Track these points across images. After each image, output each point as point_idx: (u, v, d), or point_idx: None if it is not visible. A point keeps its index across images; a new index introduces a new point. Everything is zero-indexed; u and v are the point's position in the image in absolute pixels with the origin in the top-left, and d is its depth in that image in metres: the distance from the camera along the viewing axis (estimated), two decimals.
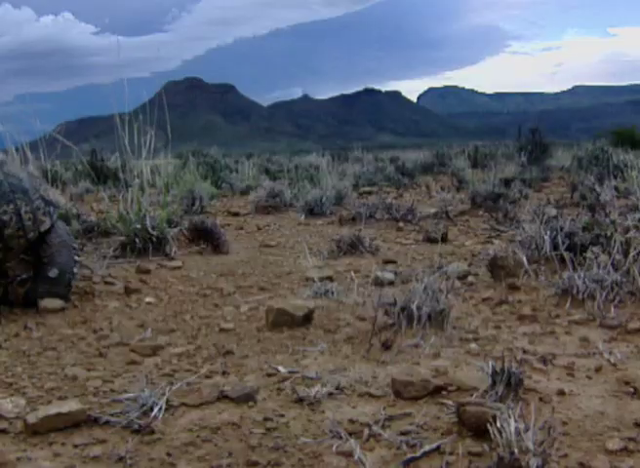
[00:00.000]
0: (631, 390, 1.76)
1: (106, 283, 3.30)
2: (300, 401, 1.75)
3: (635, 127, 15.00)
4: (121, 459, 1.45)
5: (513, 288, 2.87)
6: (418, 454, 1.43)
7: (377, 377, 1.91)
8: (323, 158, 11.30)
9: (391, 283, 3.05)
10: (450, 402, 1.68)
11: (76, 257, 3.04)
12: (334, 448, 1.48)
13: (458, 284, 2.93)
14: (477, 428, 1.47)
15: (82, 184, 8.68)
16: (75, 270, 2.99)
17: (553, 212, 4.44)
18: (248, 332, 2.43)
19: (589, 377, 1.88)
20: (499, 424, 1.33)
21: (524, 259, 2.98)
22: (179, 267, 3.68)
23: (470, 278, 3.16)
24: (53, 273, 2.81)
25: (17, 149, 4.64)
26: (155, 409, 1.66)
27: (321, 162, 10.33)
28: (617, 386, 1.80)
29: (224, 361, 2.11)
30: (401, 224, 5.13)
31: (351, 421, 1.61)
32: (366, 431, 1.55)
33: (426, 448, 1.45)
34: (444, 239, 4.28)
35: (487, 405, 1.52)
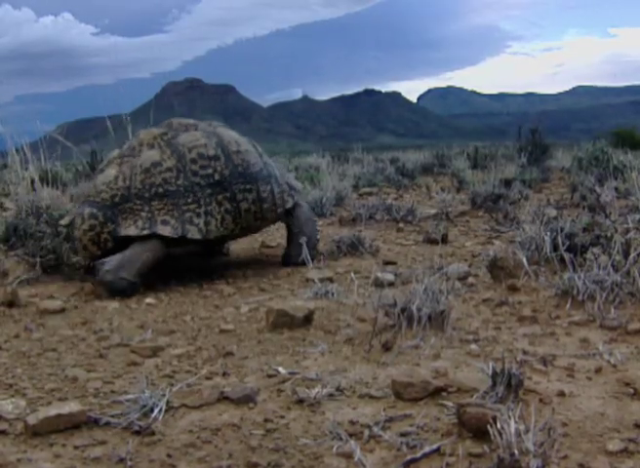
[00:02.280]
0: (631, 391, 1.76)
1: None
2: (300, 402, 1.75)
3: (635, 128, 15.00)
4: (121, 460, 1.45)
5: (513, 289, 2.87)
6: (418, 456, 1.43)
7: (377, 378, 1.91)
8: (323, 159, 11.30)
9: (391, 284, 3.05)
10: (450, 403, 1.68)
11: (318, 228, 3.96)
12: (334, 449, 1.48)
13: (458, 285, 2.93)
14: (477, 429, 1.48)
15: (82, 185, 8.68)
16: (318, 237, 3.93)
17: (553, 212, 4.45)
18: (248, 334, 2.43)
19: (589, 378, 1.88)
20: (499, 425, 1.33)
21: (524, 260, 2.98)
22: (179, 268, 3.68)
23: (470, 279, 3.16)
24: (302, 240, 3.43)
25: (17, 150, 4.64)
26: (155, 411, 1.66)
27: (321, 163, 10.33)
28: (617, 387, 1.80)
29: (225, 362, 2.11)
30: (401, 225, 5.13)
31: (351, 422, 1.62)
32: (366, 432, 1.55)
33: (426, 449, 1.45)
34: (444, 240, 4.28)
35: (487, 406, 1.52)
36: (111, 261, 3.06)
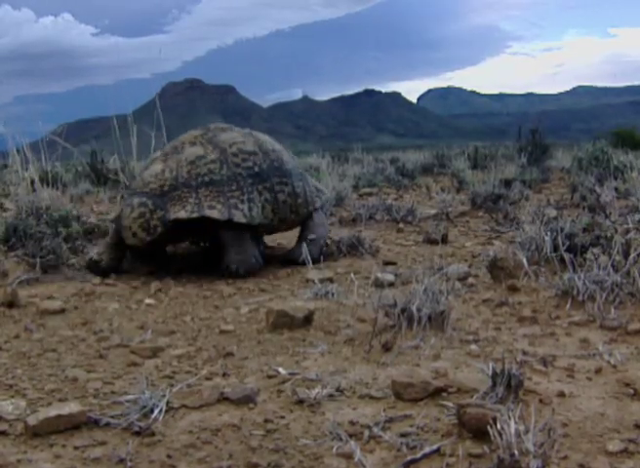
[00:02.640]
0: (631, 391, 1.77)
1: (107, 284, 3.31)
2: (300, 402, 1.75)
3: (635, 128, 14.99)
4: (121, 461, 1.45)
5: (513, 289, 2.87)
6: (418, 456, 1.43)
7: (377, 379, 1.91)
8: (323, 159, 11.30)
9: (391, 284, 3.05)
10: (450, 403, 1.68)
11: (327, 233, 4.12)
12: (334, 449, 1.48)
13: (458, 285, 2.92)
14: (477, 430, 1.48)
15: (82, 186, 8.67)
16: (327, 242, 4.06)
17: (553, 213, 4.45)
18: (248, 334, 2.43)
19: (589, 379, 1.88)
20: (499, 426, 1.33)
21: (524, 261, 2.98)
22: (179, 268, 3.68)
23: (470, 279, 3.16)
24: (311, 236, 3.77)
25: (17, 150, 4.64)
26: (155, 411, 1.66)
27: (321, 163, 10.33)
28: (617, 387, 1.80)
29: (225, 362, 2.11)
30: (401, 225, 5.13)
31: (351, 423, 1.62)
32: (366, 433, 1.55)
33: (426, 449, 1.45)
34: (444, 240, 4.28)
35: (487, 406, 1.52)
36: (231, 260, 3.42)
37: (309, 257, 3.17)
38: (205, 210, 3.35)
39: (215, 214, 3.35)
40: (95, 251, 3.63)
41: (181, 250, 4.19)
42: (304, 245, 3.46)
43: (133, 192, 3.53)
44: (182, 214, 3.34)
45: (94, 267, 3.51)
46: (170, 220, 3.36)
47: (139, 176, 3.63)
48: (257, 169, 3.59)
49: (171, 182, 3.42)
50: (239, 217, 3.41)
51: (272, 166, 3.68)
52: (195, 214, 3.34)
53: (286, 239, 4.78)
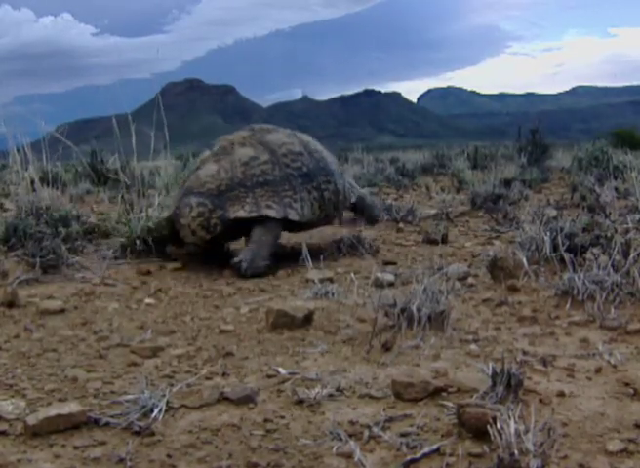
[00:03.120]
0: (631, 391, 1.77)
1: (107, 284, 3.31)
2: (300, 402, 1.75)
3: (635, 128, 15.00)
4: (121, 461, 1.45)
5: (513, 289, 2.87)
6: (418, 456, 1.43)
7: (377, 379, 1.91)
8: None
9: (391, 284, 3.05)
10: (450, 403, 1.68)
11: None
12: (334, 449, 1.48)
13: (458, 285, 2.92)
14: (477, 429, 1.48)
15: (82, 185, 8.68)
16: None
17: (553, 212, 4.45)
18: (248, 334, 2.43)
19: (589, 379, 1.88)
20: (499, 426, 1.33)
21: (524, 260, 2.98)
22: (179, 268, 3.68)
23: (470, 279, 3.16)
24: (373, 209, 4.96)
25: (18, 150, 4.64)
26: (155, 411, 1.66)
27: None
28: (617, 387, 1.80)
29: (225, 362, 2.11)
30: (401, 225, 5.13)
31: (351, 423, 1.62)
32: (366, 432, 1.56)
33: (426, 449, 1.45)
34: (444, 240, 4.28)
35: (487, 406, 1.52)
36: (246, 258, 3.46)
37: (309, 258, 3.22)
38: (263, 209, 3.55)
39: (272, 213, 3.55)
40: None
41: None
42: (369, 219, 4.54)
43: (189, 192, 3.63)
44: (242, 214, 3.52)
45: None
46: (230, 219, 3.52)
47: (193, 176, 3.74)
48: (305, 169, 3.78)
49: (227, 183, 3.58)
50: (293, 216, 3.62)
51: (318, 165, 3.88)
52: (254, 214, 3.52)
53: (284, 238, 4.78)
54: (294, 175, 3.71)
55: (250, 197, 3.55)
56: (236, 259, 3.47)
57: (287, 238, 4.50)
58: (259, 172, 3.62)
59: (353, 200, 4.51)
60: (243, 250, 3.62)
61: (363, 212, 5.00)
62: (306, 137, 4.09)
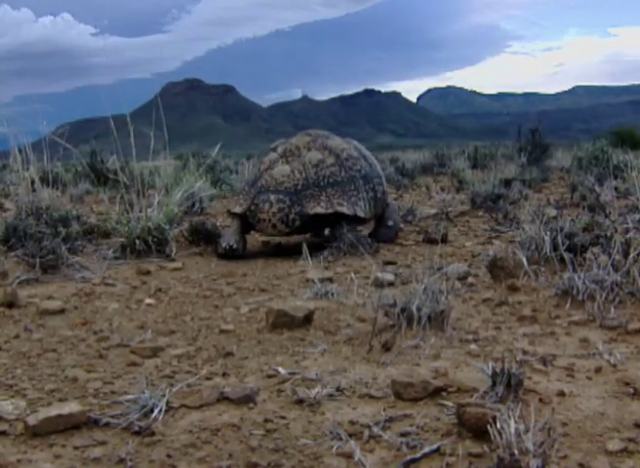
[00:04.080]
0: (631, 391, 1.76)
1: (107, 284, 3.31)
2: (300, 402, 1.75)
3: (635, 127, 15.00)
4: (121, 461, 1.45)
5: (513, 288, 2.87)
6: (418, 456, 1.43)
7: (377, 378, 1.91)
8: None
9: (391, 284, 3.05)
10: (450, 403, 1.68)
11: (401, 221, 4.93)
12: (334, 449, 1.48)
13: (458, 285, 2.93)
14: (477, 429, 1.48)
15: (82, 186, 8.68)
16: (402, 226, 4.88)
17: (553, 212, 4.44)
18: (248, 334, 2.43)
19: (589, 378, 1.88)
20: (499, 425, 1.33)
21: (524, 260, 2.98)
22: (179, 268, 3.68)
23: (470, 279, 3.16)
24: (390, 223, 4.57)
25: (19, 150, 4.64)
26: (155, 411, 1.66)
27: None
28: (617, 387, 1.80)
29: (225, 362, 2.11)
30: (401, 225, 5.13)
31: (351, 422, 1.62)
32: (366, 432, 1.55)
33: (426, 449, 1.45)
34: (444, 240, 4.28)
35: (487, 406, 1.52)
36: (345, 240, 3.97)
37: (309, 258, 3.25)
38: (336, 206, 4.03)
39: (344, 209, 4.04)
40: (225, 240, 4.07)
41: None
42: (388, 229, 4.52)
43: (265, 190, 4.06)
44: (319, 210, 4.00)
45: (230, 253, 4.00)
46: (308, 215, 3.99)
47: (266, 175, 4.15)
48: (363, 171, 4.28)
49: (302, 182, 4.05)
50: (359, 212, 4.13)
51: (371, 169, 4.40)
52: (330, 210, 4.01)
53: (284, 238, 4.78)
54: (356, 176, 4.20)
55: (323, 195, 4.03)
56: (334, 243, 4.00)
57: (287, 238, 4.51)
58: (328, 173, 4.10)
59: (388, 201, 4.73)
60: (337, 236, 4.07)
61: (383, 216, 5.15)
62: (358, 144, 4.61)
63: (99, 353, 2.23)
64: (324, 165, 4.12)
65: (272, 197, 3.99)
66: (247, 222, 4.13)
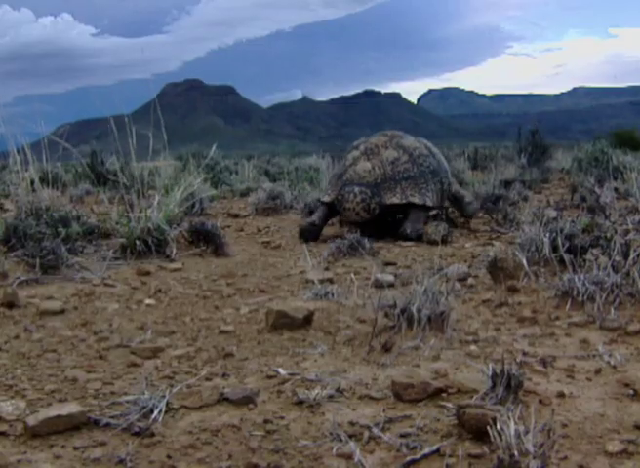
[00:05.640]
0: (631, 392, 1.76)
1: (107, 285, 3.31)
2: (300, 403, 1.75)
3: (635, 128, 15.00)
4: (121, 462, 1.45)
5: (513, 290, 2.87)
6: (418, 457, 1.43)
7: (377, 380, 1.91)
8: (323, 160, 11.30)
9: (391, 285, 3.05)
10: (450, 404, 1.68)
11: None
12: (334, 450, 1.48)
13: (457, 286, 2.93)
14: (477, 430, 1.48)
15: (82, 186, 8.68)
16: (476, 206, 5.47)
17: (553, 213, 4.44)
18: (248, 335, 2.43)
19: (589, 379, 1.88)
20: (498, 426, 1.33)
21: (524, 261, 2.98)
22: (179, 269, 3.68)
23: (470, 280, 3.16)
24: (467, 199, 5.34)
25: (18, 151, 4.64)
26: (155, 412, 1.66)
27: (321, 164, 10.33)
28: (617, 388, 1.80)
29: (224, 363, 2.11)
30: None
31: (351, 424, 1.62)
32: (366, 433, 1.55)
33: (426, 450, 1.45)
34: (444, 240, 4.28)
35: (487, 407, 1.52)
36: (407, 227, 4.61)
37: (309, 258, 3.28)
38: (409, 197, 4.67)
39: (416, 200, 4.67)
40: (310, 219, 4.91)
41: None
42: (469, 205, 5.24)
43: (350, 183, 4.73)
44: (396, 200, 4.65)
45: (310, 228, 4.75)
46: (386, 204, 4.65)
47: (350, 170, 4.82)
48: (432, 167, 4.89)
49: (381, 177, 4.71)
50: (428, 202, 4.74)
51: (438, 165, 5.01)
52: (404, 200, 4.66)
53: (285, 239, 4.78)
54: (426, 171, 4.82)
55: (398, 188, 4.69)
56: (402, 230, 4.60)
57: (287, 238, 4.51)
58: (402, 169, 4.75)
59: (452, 191, 5.31)
60: (406, 223, 4.65)
61: (456, 204, 5.51)
62: (427, 142, 5.24)
63: (98, 354, 2.23)
64: (399, 162, 4.77)
65: (356, 189, 4.65)
66: (332, 210, 4.86)
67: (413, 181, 4.73)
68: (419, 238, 4.54)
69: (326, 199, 4.90)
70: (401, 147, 4.89)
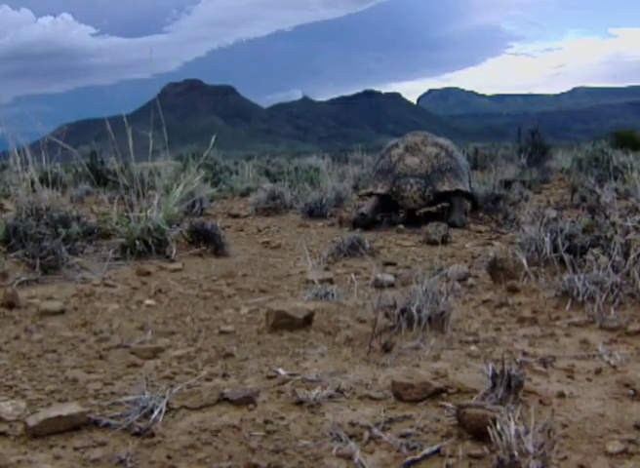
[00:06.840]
0: (631, 392, 1.77)
1: (107, 285, 3.31)
2: (300, 403, 1.75)
3: (635, 128, 14.99)
4: (121, 462, 1.45)
5: (513, 290, 2.87)
6: (418, 457, 1.43)
7: (377, 380, 1.91)
8: (323, 160, 11.31)
9: (391, 285, 3.05)
10: (450, 404, 1.68)
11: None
12: (334, 450, 1.48)
13: (458, 286, 2.93)
14: (477, 431, 1.48)
15: (82, 186, 8.68)
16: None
17: (553, 213, 4.44)
18: (248, 335, 2.43)
19: (589, 380, 1.88)
20: (499, 427, 1.33)
21: (524, 261, 2.98)
22: (179, 269, 3.68)
23: (470, 280, 3.16)
24: (480, 200, 5.93)
25: (18, 151, 4.63)
26: (155, 412, 1.66)
27: (321, 164, 10.34)
28: (617, 388, 1.81)
29: (225, 363, 2.11)
30: (401, 226, 5.13)
31: (351, 424, 1.62)
32: (366, 434, 1.55)
33: (426, 450, 1.45)
34: (444, 241, 4.28)
35: (487, 407, 1.52)
36: (454, 215, 5.23)
37: (309, 259, 3.27)
38: (457, 185, 5.32)
39: (462, 187, 5.36)
40: (361, 209, 5.40)
41: None
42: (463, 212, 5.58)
43: (404, 175, 5.33)
44: (446, 188, 5.28)
45: (361, 219, 5.22)
46: (439, 192, 5.26)
47: (401, 165, 5.41)
48: (462, 161, 5.70)
49: (429, 169, 5.34)
50: (469, 190, 5.51)
51: (463, 159, 5.86)
52: (453, 188, 5.30)
53: (285, 239, 4.78)
54: (459, 165, 5.52)
55: (445, 178, 5.33)
56: (449, 219, 5.11)
57: (287, 238, 4.51)
58: (444, 162, 5.41)
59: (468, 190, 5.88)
60: (453, 213, 5.23)
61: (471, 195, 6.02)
62: (452, 142, 5.94)
63: (99, 354, 2.23)
64: (440, 156, 5.44)
65: (412, 180, 5.27)
66: (385, 201, 5.39)
67: (454, 173, 5.39)
68: (463, 225, 5.16)
69: (380, 191, 5.40)
70: (438, 144, 5.55)
